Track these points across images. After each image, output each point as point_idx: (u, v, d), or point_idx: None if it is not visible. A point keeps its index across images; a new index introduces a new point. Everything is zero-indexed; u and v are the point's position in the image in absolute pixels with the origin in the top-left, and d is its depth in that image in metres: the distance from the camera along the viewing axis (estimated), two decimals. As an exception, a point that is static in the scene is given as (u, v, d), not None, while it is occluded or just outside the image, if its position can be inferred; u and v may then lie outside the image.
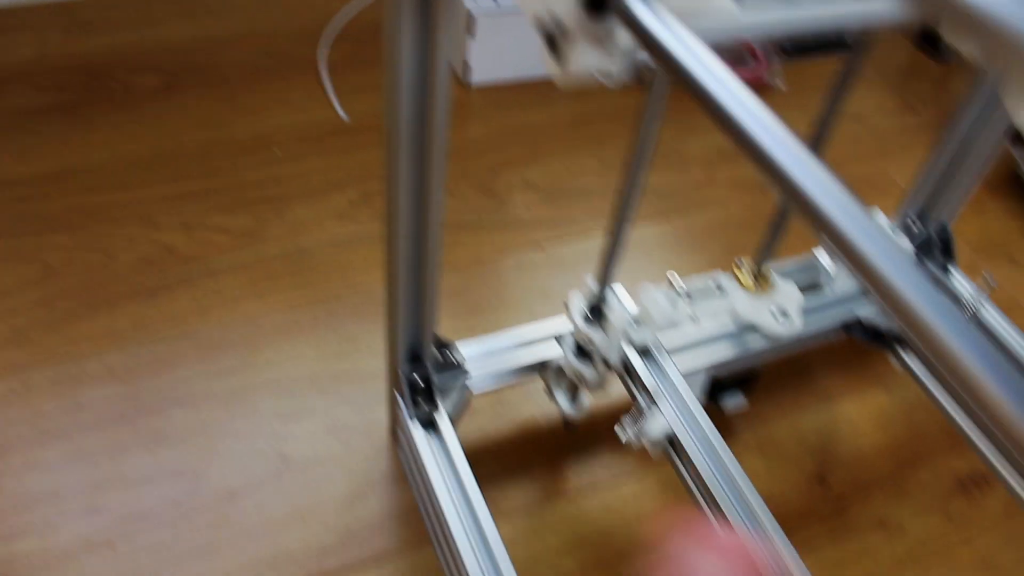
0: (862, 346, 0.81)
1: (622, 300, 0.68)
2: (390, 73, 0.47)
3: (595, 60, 0.27)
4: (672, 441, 0.64)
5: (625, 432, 0.65)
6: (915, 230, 0.84)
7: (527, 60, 1.14)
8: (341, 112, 1.09)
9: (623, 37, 0.26)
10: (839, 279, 0.79)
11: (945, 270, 0.84)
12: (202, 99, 1.10)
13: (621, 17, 0.24)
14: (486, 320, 0.86)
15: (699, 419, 0.64)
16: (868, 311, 0.77)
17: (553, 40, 0.27)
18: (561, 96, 1.16)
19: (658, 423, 0.63)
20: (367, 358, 0.82)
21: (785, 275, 0.75)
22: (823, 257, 0.82)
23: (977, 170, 0.78)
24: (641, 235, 0.96)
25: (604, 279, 0.64)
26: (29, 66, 1.13)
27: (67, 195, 0.96)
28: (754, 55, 1.22)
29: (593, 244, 0.95)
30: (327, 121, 1.08)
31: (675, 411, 0.64)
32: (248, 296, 0.86)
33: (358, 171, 1.01)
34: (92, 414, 0.76)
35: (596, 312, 0.66)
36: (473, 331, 0.83)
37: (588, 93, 1.17)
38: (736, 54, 1.24)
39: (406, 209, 0.55)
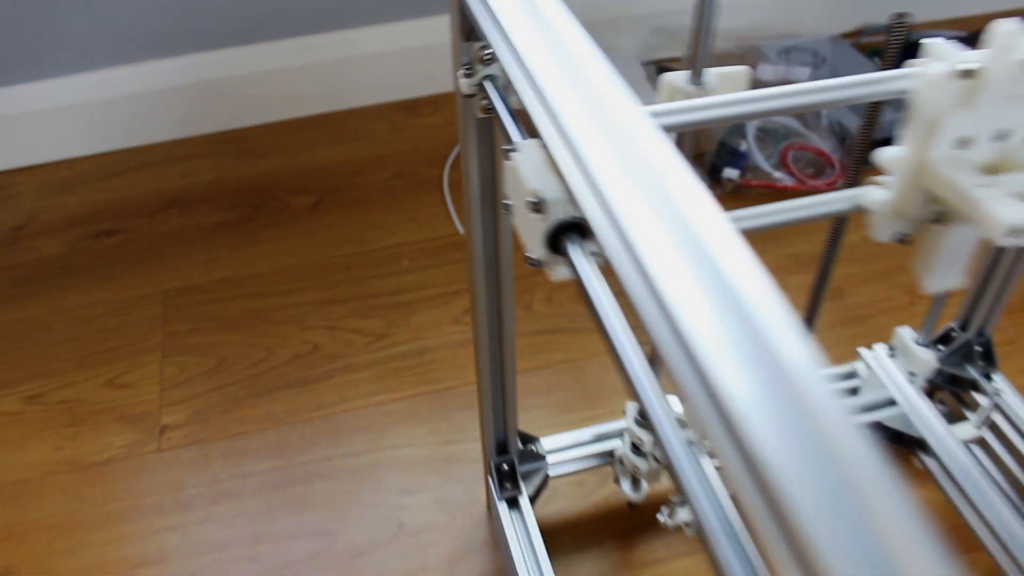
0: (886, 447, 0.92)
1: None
2: (466, 200, 0.63)
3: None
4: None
5: (663, 517, 0.79)
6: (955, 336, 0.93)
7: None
8: (460, 227, 1.28)
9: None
10: (869, 388, 0.91)
11: (988, 377, 0.94)
12: (345, 216, 1.32)
13: (568, 264, 0.40)
14: (578, 415, 1.02)
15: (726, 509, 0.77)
16: (891, 416, 0.88)
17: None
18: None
19: (687, 512, 0.77)
20: (472, 444, 0.99)
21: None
22: (862, 367, 0.94)
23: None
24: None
25: (657, 391, 0.79)
26: (210, 188, 1.39)
27: (237, 299, 1.19)
28: (831, 164, 1.35)
29: (669, 348, 1.09)
30: (447, 236, 1.27)
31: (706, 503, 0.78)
32: (378, 389, 1.05)
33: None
34: (254, 481, 0.96)
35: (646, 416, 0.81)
36: (564, 424, 0.99)
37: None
38: (817, 166, 1.38)
39: (485, 324, 0.71)
